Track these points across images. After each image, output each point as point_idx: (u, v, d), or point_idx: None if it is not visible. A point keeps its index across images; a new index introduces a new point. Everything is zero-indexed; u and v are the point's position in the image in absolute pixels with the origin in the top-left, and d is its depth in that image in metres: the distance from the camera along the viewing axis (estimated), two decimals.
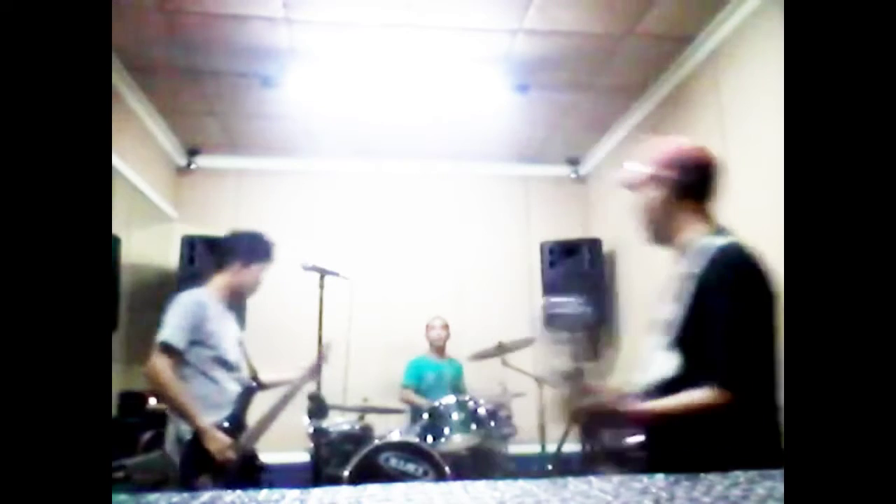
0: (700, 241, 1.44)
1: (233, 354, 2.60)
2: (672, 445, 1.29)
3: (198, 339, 2.46)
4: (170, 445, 2.43)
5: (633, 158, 1.59)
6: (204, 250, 4.47)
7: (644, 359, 1.46)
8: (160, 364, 2.38)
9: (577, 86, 4.25)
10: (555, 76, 4.11)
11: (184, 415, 2.37)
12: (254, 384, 2.62)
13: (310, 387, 3.00)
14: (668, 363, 1.35)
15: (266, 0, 3.30)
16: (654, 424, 1.32)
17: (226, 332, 2.59)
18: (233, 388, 2.55)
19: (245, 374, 2.65)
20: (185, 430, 2.38)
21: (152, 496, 0.65)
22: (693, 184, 1.51)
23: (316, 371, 2.83)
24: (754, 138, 3.25)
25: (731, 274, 1.34)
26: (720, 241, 1.41)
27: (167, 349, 2.40)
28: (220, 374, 2.52)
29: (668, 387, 1.33)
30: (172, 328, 2.42)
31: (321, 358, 2.87)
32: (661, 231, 1.55)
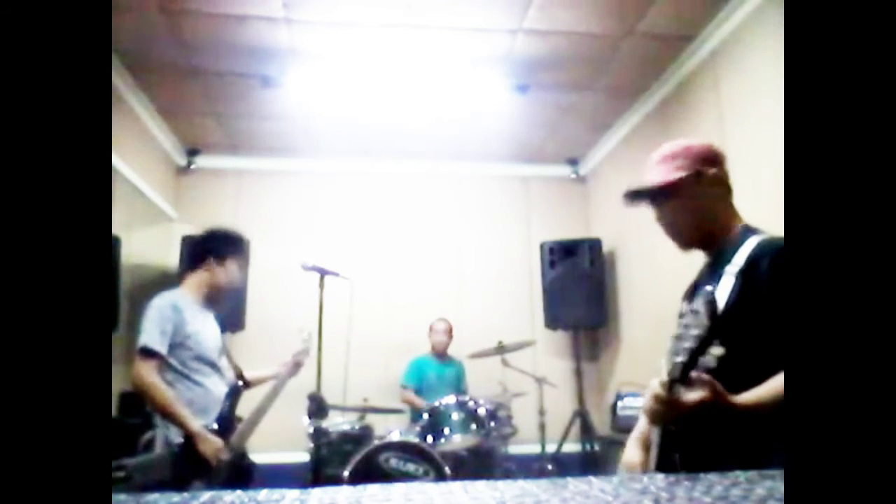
0: (738, 238, 1.41)
1: (215, 353, 2.58)
2: (756, 439, 1.23)
3: (178, 341, 2.44)
4: (159, 450, 2.39)
5: (652, 164, 1.51)
6: None
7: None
8: (143, 369, 2.35)
9: (577, 86, 4.25)
10: (555, 76, 4.11)
11: (173, 419, 2.33)
12: (239, 383, 2.60)
13: (310, 386, 3.00)
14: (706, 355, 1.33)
15: (266, 0, 3.30)
16: (750, 421, 1.24)
17: (205, 332, 2.56)
18: (218, 388, 2.52)
19: (229, 373, 2.63)
20: (175, 434, 2.35)
21: (152, 496, 0.65)
22: (726, 179, 1.48)
23: (298, 365, 2.82)
24: (754, 138, 3.25)
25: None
26: (765, 238, 1.38)
27: (148, 353, 2.37)
28: (203, 375, 2.49)
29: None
30: (150, 332, 2.39)
31: (304, 353, 2.86)
32: (705, 232, 1.47)
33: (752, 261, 1.34)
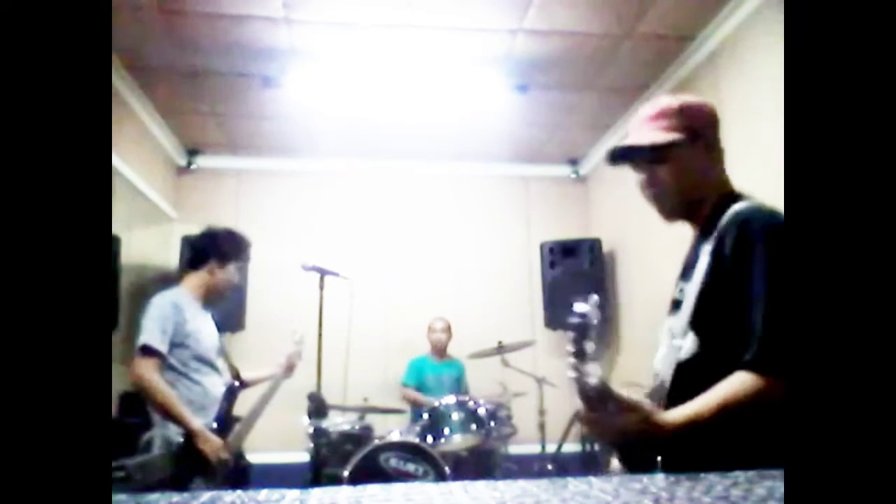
0: (718, 210, 1.26)
1: (213, 353, 2.58)
2: (712, 448, 1.11)
3: (178, 340, 2.43)
4: (158, 451, 2.39)
5: (641, 121, 1.34)
6: None
7: (657, 343, 1.32)
8: (144, 367, 2.34)
9: (577, 86, 4.25)
10: (555, 76, 4.11)
11: (174, 418, 2.33)
12: (236, 383, 2.59)
13: (310, 386, 3.00)
14: (682, 346, 1.22)
15: (266, 0, 3.30)
16: (694, 432, 1.11)
17: (205, 331, 2.56)
18: (216, 388, 2.52)
19: (226, 373, 2.63)
20: (174, 433, 2.35)
21: (152, 496, 0.65)
22: (717, 141, 1.32)
23: (291, 367, 2.82)
24: (754, 138, 3.25)
25: (761, 242, 1.13)
26: (735, 212, 1.21)
27: (149, 351, 2.36)
28: (202, 374, 2.49)
29: (681, 370, 1.21)
30: (151, 331, 2.38)
31: (296, 354, 2.85)
32: (693, 200, 1.31)
33: (719, 240, 1.21)
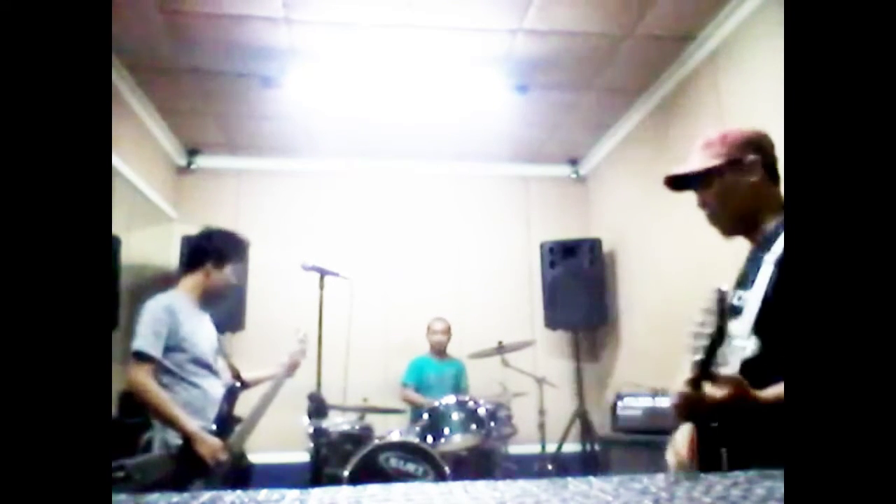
0: (780, 224, 1.39)
1: (210, 355, 2.57)
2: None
3: (172, 344, 2.42)
4: (157, 451, 2.39)
5: (694, 150, 1.53)
6: None
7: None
8: (138, 374, 2.34)
9: (577, 86, 4.25)
10: (555, 76, 4.11)
11: (170, 422, 2.33)
12: (237, 384, 2.58)
13: (310, 386, 3.00)
14: (745, 346, 1.33)
15: (266, 0, 3.30)
16: (777, 414, 1.21)
17: (200, 334, 2.55)
18: (215, 390, 2.51)
19: (226, 374, 2.62)
20: (173, 436, 2.34)
21: (152, 496, 0.65)
22: (772, 165, 1.47)
23: (295, 365, 2.81)
24: None
25: None
26: None
27: (142, 357, 2.36)
28: (200, 377, 2.48)
29: (747, 367, 1.30)
30: (144, 336, 2.38)
31: (300, 353, 2.85)
32: (745, 219, 1.47)
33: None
